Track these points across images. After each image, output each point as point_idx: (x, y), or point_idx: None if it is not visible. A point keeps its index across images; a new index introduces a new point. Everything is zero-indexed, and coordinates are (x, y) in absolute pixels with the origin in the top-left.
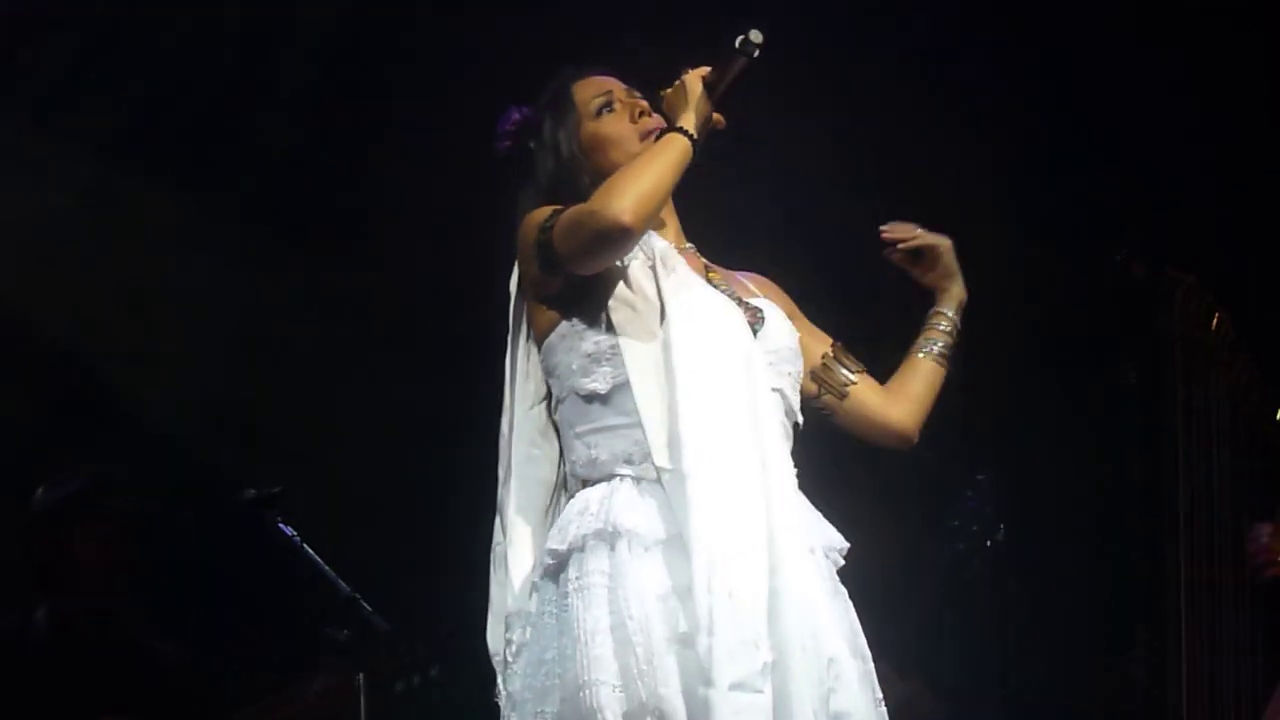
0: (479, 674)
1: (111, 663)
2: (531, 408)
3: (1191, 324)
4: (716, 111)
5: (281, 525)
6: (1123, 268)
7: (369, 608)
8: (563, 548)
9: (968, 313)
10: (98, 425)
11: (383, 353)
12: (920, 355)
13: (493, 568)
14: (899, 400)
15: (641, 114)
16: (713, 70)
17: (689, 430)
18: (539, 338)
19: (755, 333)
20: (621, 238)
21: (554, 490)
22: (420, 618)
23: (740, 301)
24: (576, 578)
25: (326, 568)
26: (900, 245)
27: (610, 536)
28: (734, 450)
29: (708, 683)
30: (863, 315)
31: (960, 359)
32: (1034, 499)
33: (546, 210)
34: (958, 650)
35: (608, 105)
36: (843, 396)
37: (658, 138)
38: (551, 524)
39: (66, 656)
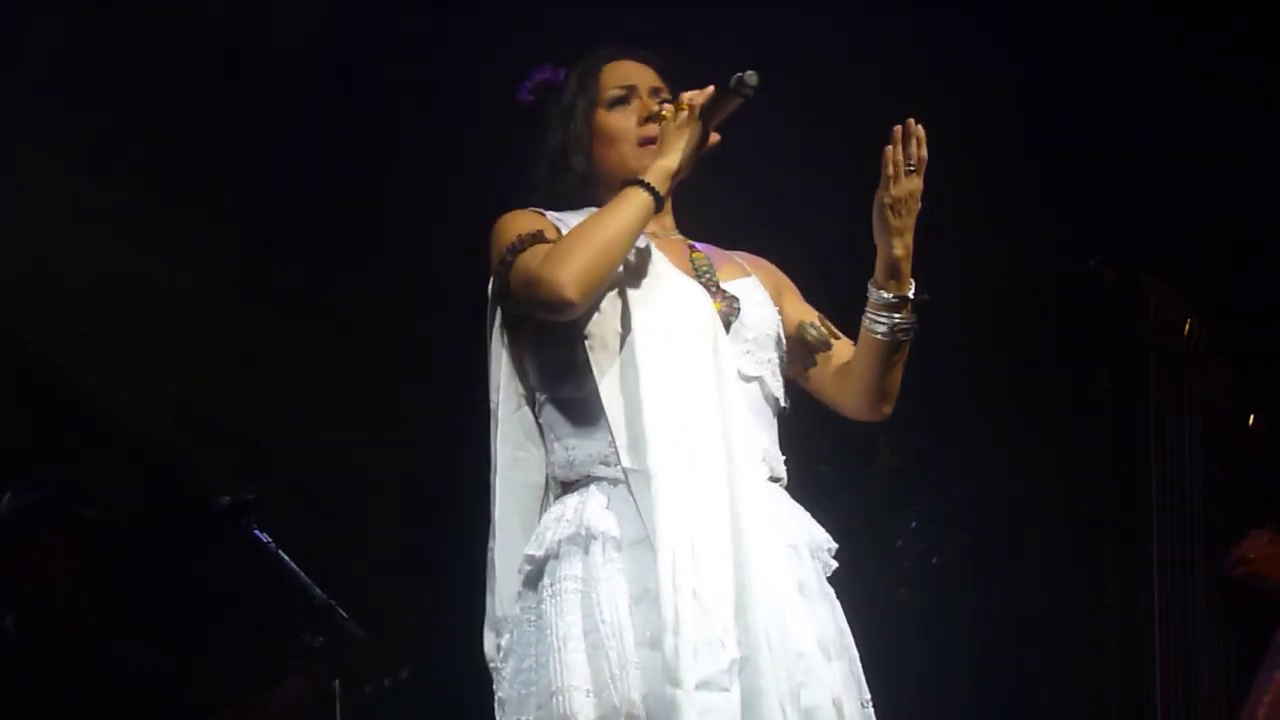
0: (449, 676)
1: (81, 671)
2: (516, 410)
3: (1165, 330)
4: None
5: (257, 532)
6: (1096, 273)
7: (344, 614)
8: (539, 554)
9: (939, 319)
10: (72, 431)
11: (361, 358)
12: (862, 329)
13: (487, 573)
14: (846, 378)
15: (649, 119)
16: (709, 99)
17: (651, 429)
18: (515, 343)
19: (730, 322)
20: (564, 309)
21: (542, 492)
22: (393, 620)
23: (716, 289)
24: (551, 584)
25: (302, 574)
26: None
27: (584, 540)
28: (698, 447)
29: (674, 682)
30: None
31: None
32: (1006, 505)
33: (512, 231)
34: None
35: (623, 99)
36: (808, 366)
37: (622, 185)
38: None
39: (36, 666)
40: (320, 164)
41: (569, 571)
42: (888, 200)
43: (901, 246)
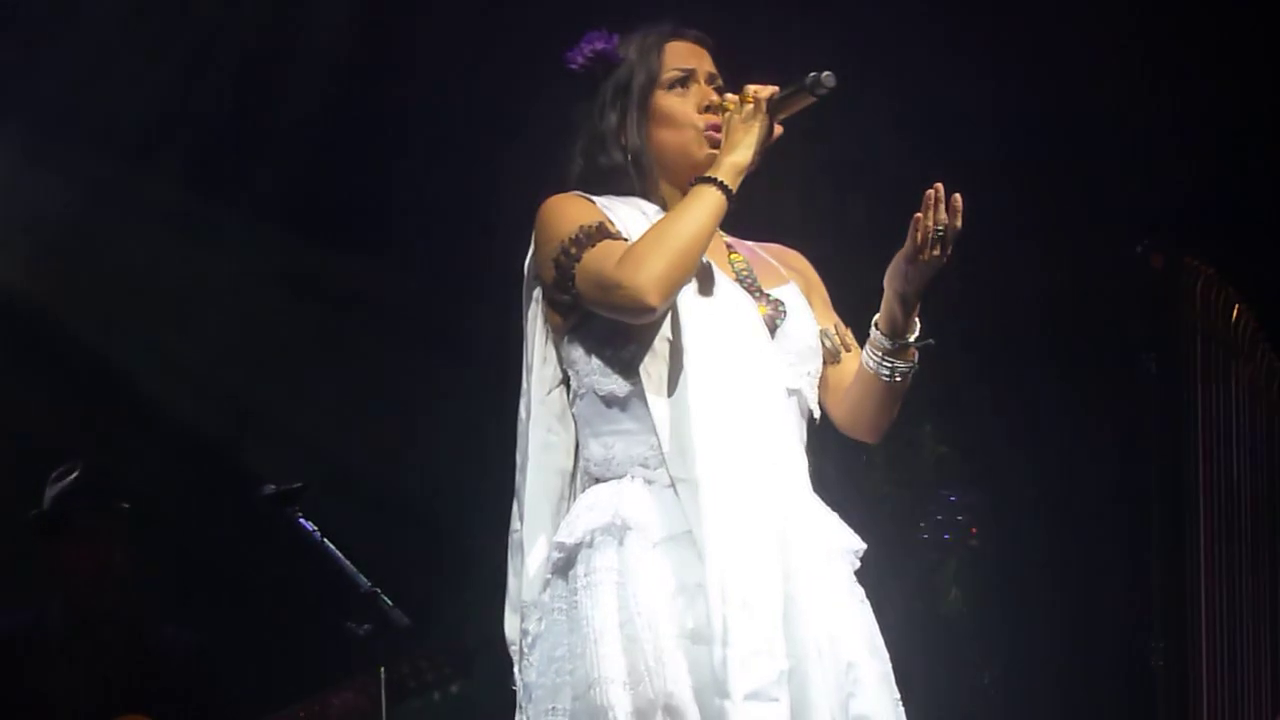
0: (503, 692)
1: (126, 659)
2: (549, 393)
3: (1211, 316)
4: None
5: (302, 520)
6: (1143, 259)
7: (389, 602)
8: (570, 542)
9: (984, 305)
10: (119, 423)
11: (409, 348)
12: (861, 362)
13: (510, 555)
14: (843, 400)
15: (709, 108)
16: (778, 95)
17: (701, 438)
18: (555, 328)
19: (775, 328)
20: (645, 315)
21: (570, 478)
22: (440, 617)
23: (760, 294)
24: (585, 574)
25: (347, 562)
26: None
27: (619, 531)
28: (746, 457)
29: (723, 694)
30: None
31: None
32: (1051, 491)
33: (571, 219)
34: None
35: (683, 82)
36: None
37: (694, 180)
38: (567, 512)
39: (81, 653)
40: (365, 156)
41: (604, 562)
42: (905, 263)
43: (912, 300)
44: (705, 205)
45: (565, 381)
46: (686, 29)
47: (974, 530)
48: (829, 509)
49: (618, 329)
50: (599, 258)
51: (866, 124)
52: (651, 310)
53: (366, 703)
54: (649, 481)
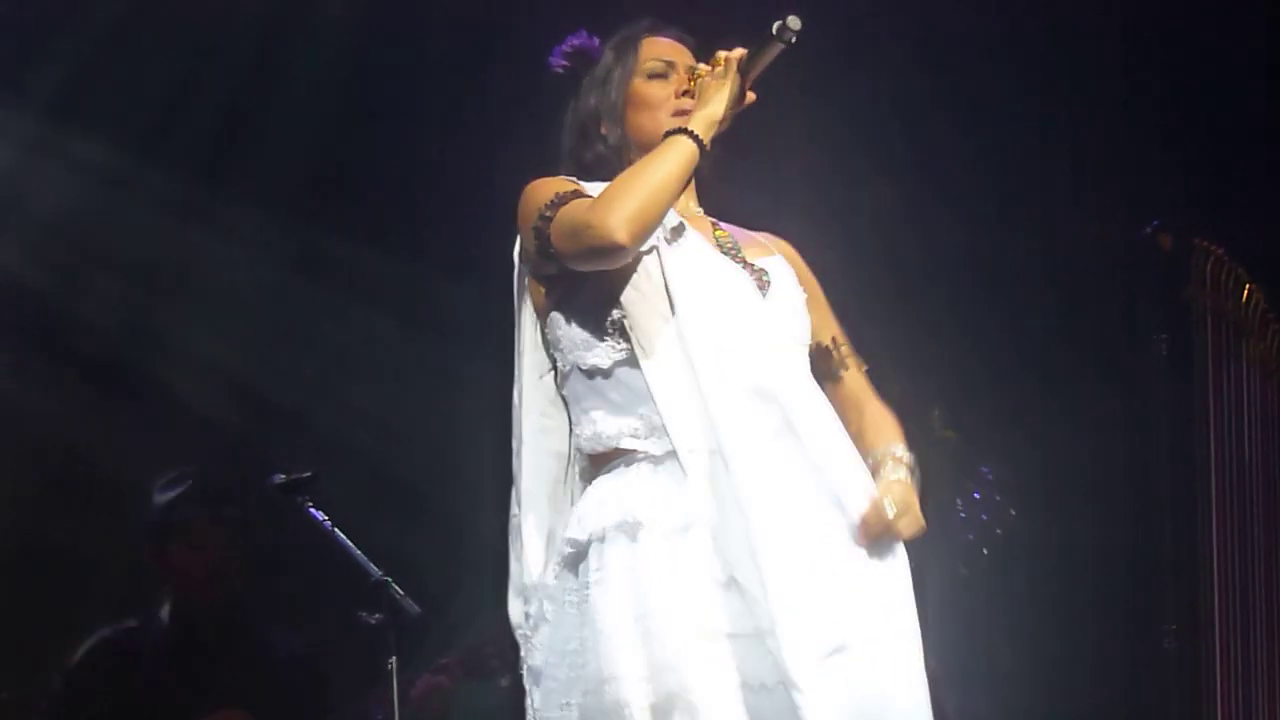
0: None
1: (231, 658)
2: (541, 377)
3: (1221, 296)
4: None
5: (312, 510)
6: (1153, 239)
7: (400, 591)
8: (582, 537)
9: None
10: (131, 412)
11: (420, 338)
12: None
13: (510, 540)
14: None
15: (685, 93)
16: (747, 54)
17: (716, 408)
18: (539, 310)
19: (762, 294)
20: (616, 254)
21: (567, 461)
22: (451, 605)
23: (746, 263)
24: (597, 569)
25: (357, 551)
26: None
27: (631, 527)
28: (758, 423)
29: (788, 682)
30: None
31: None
32: (1062, 473)
33: (548, 191)
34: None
35: (662, 74)
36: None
37: (666, 135)
38: (566, 495)
39: (188, 653)
40: (375, 142)
41: (616, 557)
42: None
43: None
44: (676, 151)
45: (554, 366)
46: (666, 26)
47: (1012, 511)
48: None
49: (597, 300)
50: (571, 209)
51: (872, 111)
52: (621, 248)
53: (445, 681)
54: (654, 461)
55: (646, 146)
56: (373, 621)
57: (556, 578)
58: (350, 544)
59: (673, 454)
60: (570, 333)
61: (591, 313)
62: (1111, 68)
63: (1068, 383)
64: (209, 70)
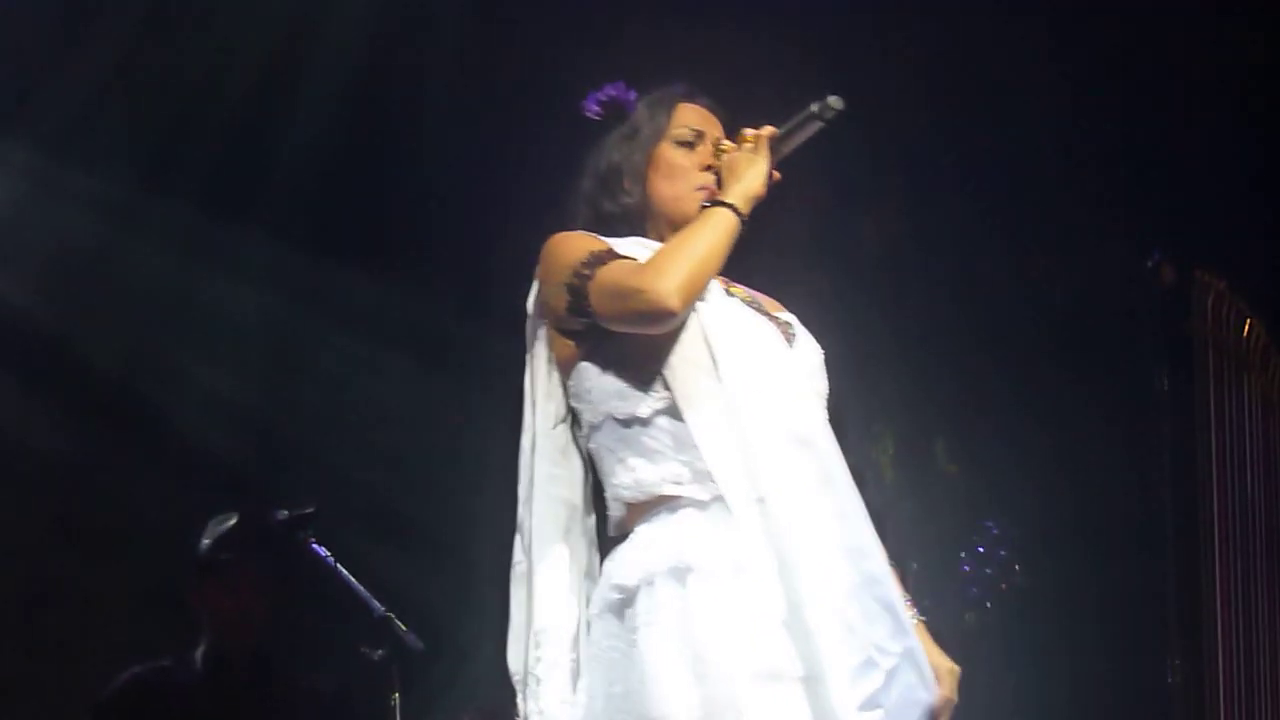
0: None
1: (261, 701)
2: (554, 426)
3: (1223, 329)
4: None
5: (314, 545)
6: (1154, 272)
7: (403, 627)
8: (630, 582)
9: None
10: (132, 446)
11: (426, 372)
12: None
13: (512, 586)
14: None
15: (708, 168)
16: (781, 131)
17: (761, 456)
18: (563, 362)
19: (790, 346)
20: (666, 320)
21: (576, 511)
22: (453, 642)
23: (770, 316)
24: (647, 612)
25: (360, 587)
26: None
27: (681, 572)
28: (806, 467)
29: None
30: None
31: None
32: (1064, 505)
33: (579, 247)
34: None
35: (690, 143)
36: None
37: (705, 205)
38: (577, 544)
39: (219, 694)
40: (384, 178)
41: (667, 601)
42: None
43: None
44: (720, 224)
45: (571, 416)
46: (701, 94)
47: (1017, 566)
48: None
49: (632, 351)
50: (614, 271)
51: (874, 146)
52: (673, 315)
53: None
54: (700, 505)
55: (663, 211)
56: (375, 658)
57: (597, 623)
58: (353, 580)
59: (718, 499)
60: (603, 384)
61: (628, 364)
62: (1112, 100)
63: (1069, 414)
64: (213, 102)
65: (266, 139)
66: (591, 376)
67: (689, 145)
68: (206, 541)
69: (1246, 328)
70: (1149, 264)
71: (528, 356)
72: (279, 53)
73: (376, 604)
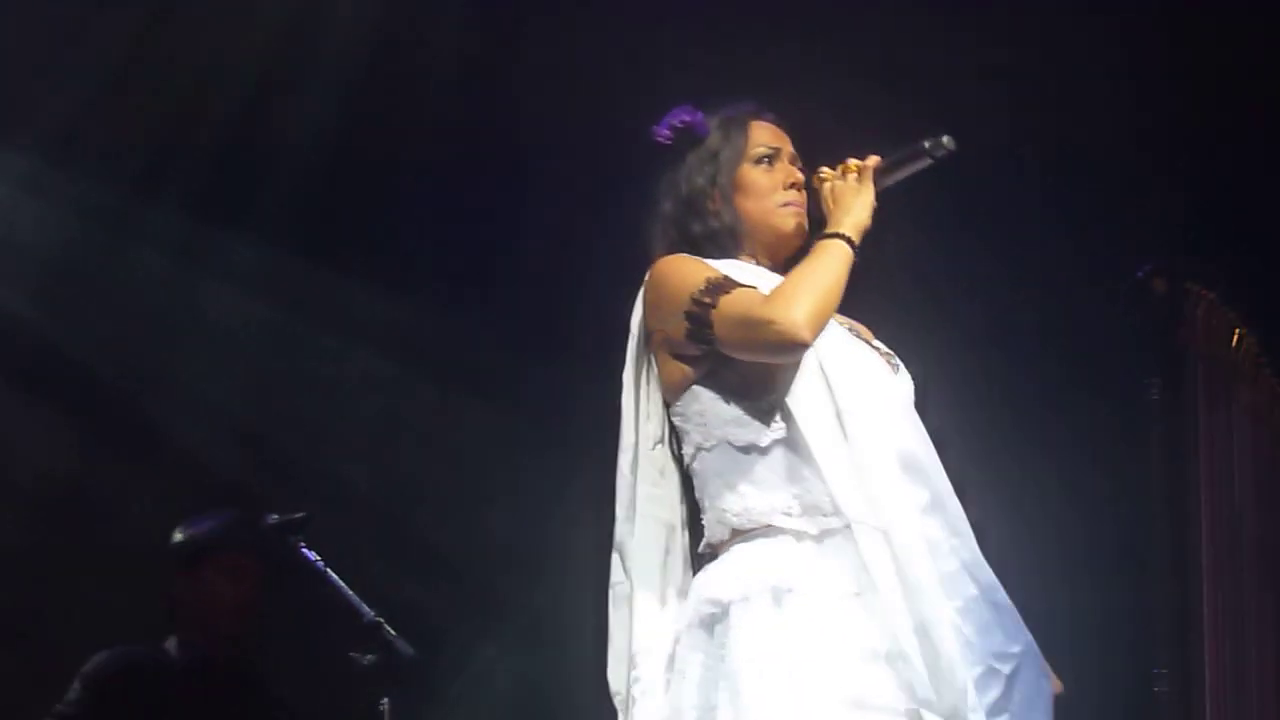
0: None
1: (238, 699)
2: (653, 447)
3: (1213, 341)
4: None
5: (305, 550)
6: (1145, 284)
7: (392, 632)
8: (725, 598)
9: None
10: (122, 450)
11: (414, 376)
12: None
13: (612, 606)
14: None
15: (792, 185)
16: (885, 163)
17: (879, 485)
18: (672, 384)
19: (895, 374)
20: (797, 351)
21: (674, 531)
22: (444, 648)
23: (872, 346)
24: (740, 629)
25: (350, 592)
26: None
27: (779, 592)
28: (915, 494)
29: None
30: None
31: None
32: (1054, 516)
33: (696, 274)
34: None
35: (770, 159)
36: None
37: (819, 236)
38: (674, 565)
39: (197, 692)
40: (370, 183)
41: (762, 619)
42: None
43: None
44: (838, 255)
45: (670, 437)
46: (768, 111)
47: None
48: None
49: (751, 379)
50: (740, 300)
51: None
52: (804, 346)
53: None
54: (798, 535)
55: (753, 229)
56: (365, 663)
57: (685, 637)
58: (343, 584)
59: (828, 533)
60: (719, 409)
61: (746, 392)
62: (1101, 112)
63: (1059, 425)
64: (208, 107)
65: (261, 145)
66: (706, 401)
67: (768, 162)
68: (208, 525)
69: (1237, 338)
70: (1140, 275)
71: (627, 376)
72: (275, 57)
73: (367, 609)
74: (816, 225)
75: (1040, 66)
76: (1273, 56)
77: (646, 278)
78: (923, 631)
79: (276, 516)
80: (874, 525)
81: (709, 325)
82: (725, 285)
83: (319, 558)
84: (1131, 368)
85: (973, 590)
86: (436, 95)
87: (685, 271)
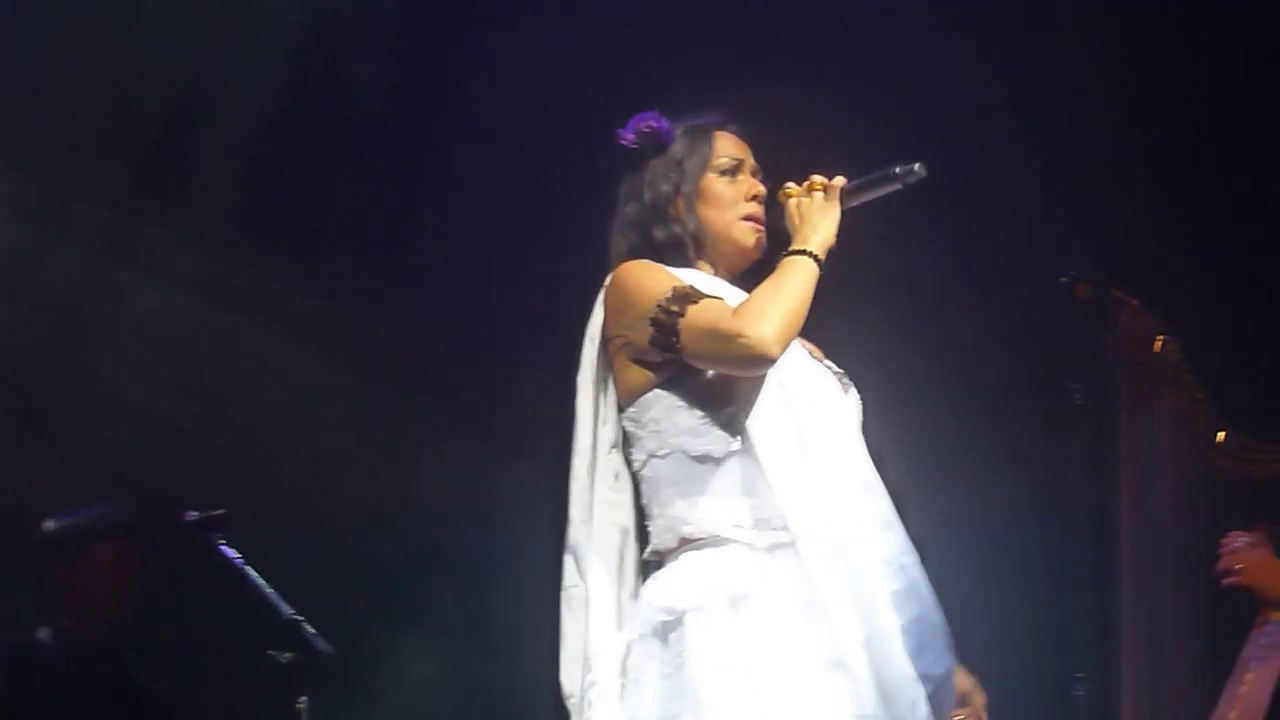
0: None
1: (112, 692)
2: (608, 452)
3: (1137, 346)
4: None
5: (224, 547)
6: (1069, 289)
7: (312, 630)
8: (680, 606)
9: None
10: (43, 443)
11: (335, 371)
12: None
13: (565, 608)
14: None
15: (754, 197)
16: (853, 184)
17: (836, 501)
18: (630, 390)
19: (845, 394)
20: (765, 365)
21: (628, 535)
22: (362, 645)
23: (824, 365)
24: (696, 638)
25: (269, 590)
26: None
27: (735, 600)
28: (867, 513)
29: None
30: None
31: None
32: (976, 520)
33: (660, 281)
34: None
35: (734, 170)
36: None
37: (786, 252)
38: (627, 569)
39: (77, 681)
40: (296, 176)
41: (718, 627)
42: None
43: None
44: (806, 272)
45: (624, 442)
46: (732, 122)
47: None
48: None
49: (712, 390)
50: (708, 311)
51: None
52: (772, 361)
53: None
54: (749, 548)
55: (715, 239)
56: (283, 661)
57: (637, 645)
58: (262, 582)
59: (777, 546)
60: (676, 417)
61: (705, 402)
62: (1027, 116)
63: (983, 431)
64: (134, 105)
65: (187, 143)
66: (662, 408)
67: (731, 173)
68: (86, 516)
69: (1159, 344)
70: (1063, 279)
71: (582, 379)
72: (204, 53)
73: (286, 606)
74: (777, 237)
75: (961, 72)
76: (1195, 65)
77: (608, 281)
78: (872, 646)
79: (196, 513)
80: (828, 541)
81: (675, 334)
82: (693, 295)
83: (238, 555)
84: (1055, 373)
85: (917, 609)
86: (365, 92)
87: (651, 278)
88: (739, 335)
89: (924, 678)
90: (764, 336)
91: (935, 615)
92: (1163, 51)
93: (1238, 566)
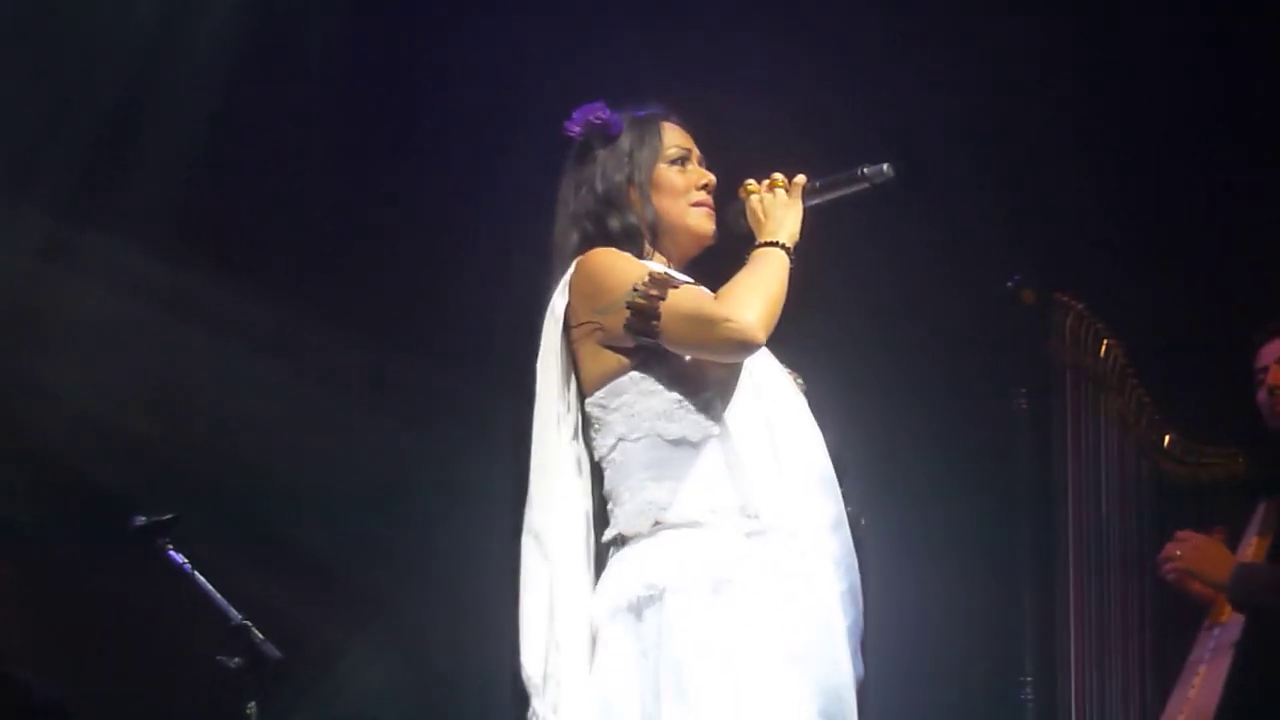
0: None
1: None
2: (573, 438)
3: (1081, 351)
4: None
5: (171, 553)
6: (1013, 294)
7: (260, 636)
8: (660, 584)
9: (855, 340)
10: None
11: (281, 373)
12: None
13: (527, 593)
14: None
15: (704, 186)
16: (820, 183)
17: (799, 493)
18: (598, 375)
19: (800, 392)
20: (749, 351)
21: (590, 520)
22: (310, 650)
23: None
24: (679, 617)
25: (217, 595)
26: None
27: (718, 582)
28: (828, 510)
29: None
30: None
31: None
32: (923, 522)
33: (634, 268)
34: None
35: (684, 160)
36: None
37: (755, 245)
38: (589, 553)
39: None
40: (240, 179)
41: (699, 609)
42: None
43: None
44: (780, 262)
45: (586, 427)
46: (674, 113)
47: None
48: None
49: (685, 376)
50: (689, 297)
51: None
52: (757, 346)
53: None
54: (726, 534)
55: (670, 228)
56: (232, 665)
57: (610, 622)
58: (210, 587)
59: (753, 535)
60: (649, 402)
61: (678, 387)
62: (971, 122)
63: (928, 435)
64: (78, 103)
65: (132, 143)
66: (634, 393)
67: (681, 164)
68: None
69: (1104, 348)
70: (1009, 284)
71: (541, 366)
72: (150, 54)
73: (234, 612)
74: (725, 232)
75: (905, 80)
76: (1142, 73)
77: (573, 268)
78: (824, 643)
79: (144, 518)
80: (794, 534)
81: (655, 317)
82: (671, 280)
83: (186, 560)
84: (1001, 378)
85: (854, 613)
86: (313, 93)
87: (624, 263)
88: (726, 320)
89: (856, 680)
90: (749, 322)
91: (862, 620)
92: (1106, 57)
93: (1177, 553)
